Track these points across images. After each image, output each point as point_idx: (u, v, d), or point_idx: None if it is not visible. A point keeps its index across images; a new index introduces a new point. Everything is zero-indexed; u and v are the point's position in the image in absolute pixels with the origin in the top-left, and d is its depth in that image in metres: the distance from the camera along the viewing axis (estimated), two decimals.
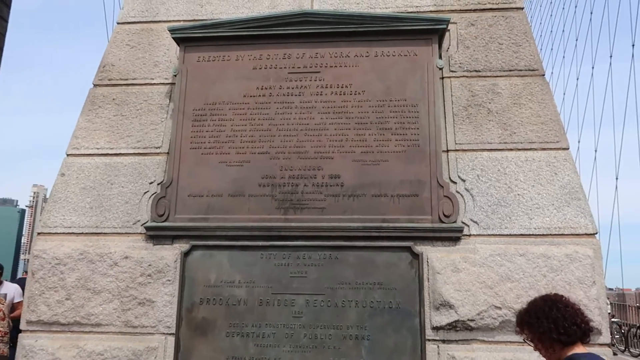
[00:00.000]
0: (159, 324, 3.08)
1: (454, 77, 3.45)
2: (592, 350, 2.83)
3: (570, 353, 2.08)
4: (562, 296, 2.27)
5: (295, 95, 3.37)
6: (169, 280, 3.13)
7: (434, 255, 3.03)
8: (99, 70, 3.73)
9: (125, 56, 3.74)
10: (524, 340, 2.27)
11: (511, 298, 2.92)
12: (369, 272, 3.02)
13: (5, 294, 5.53)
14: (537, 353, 2.83)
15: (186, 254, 3.13)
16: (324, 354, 2.93)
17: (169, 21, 3.79)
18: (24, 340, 3.15)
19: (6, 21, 13.24)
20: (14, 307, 5.43)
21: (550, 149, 3.23)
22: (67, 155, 3.52)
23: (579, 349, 2.10)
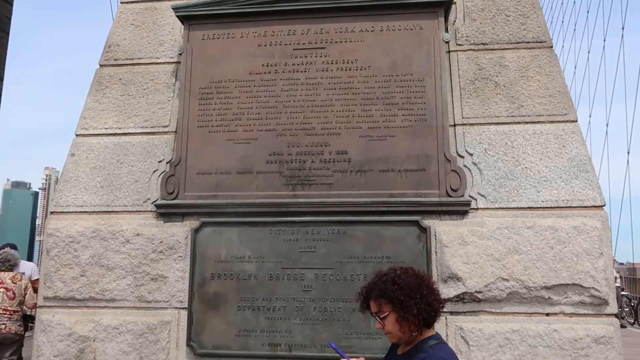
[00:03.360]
0: (171, 298, 3.15)
1: (460, 50, 3.41)
2: (600, 319, 2.89)
3: (427, 335, 1.96)
4: (422, 272, 2.06)
5: (301, 71, 3.36)
6: (180, 257, 3.19)
7: (442, 228, 3.05)
8: (105, 50, 3.74)
9: (130, 36, 3.74)
10: (373, 314, 1.99)
11: (519, 270, 2.94)
12: (377, 246, 3.05)
13: (23, 273, 5.67)
14: (543, 324, 2.89)
15: (196, 231, 3.18)
16: (333, 326, 2.99)
17: None
18: (42, 315, 3.24)
19: (11, 4, 13.21)
20: (32, 283, 5.57)
21: (559, 121, 3.21)
22: (77, 135, 3.56)
23: (431, 332, 1.98)
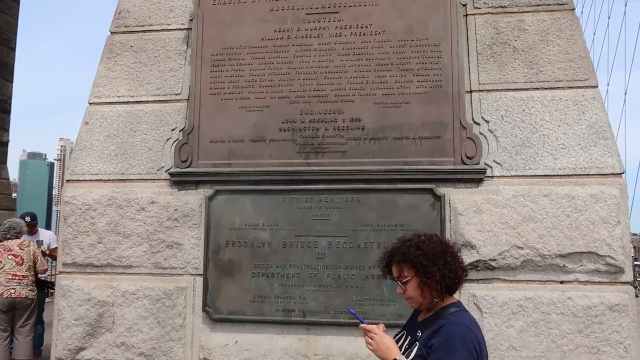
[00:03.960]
0: (187, 265, 3.20)
1: (478, 13, 3.31)
2: (615, 287, 2.87)
3: (449, 302, 1.92)
4: (446, 239, 2.06)
5: (314, 37, 3.30)
6: (195, 224, 3.21)
7: (456, 197, 3.03)
8: (115, 16, 3.69)
9: (141, 2, 3.68)
10: (395, 279, 1.96)
11: (533, 238, 2.92)
12: (391, 214, 3.04)
13: (42, 240, 5.80)
14: (557, 292, 2.89)
15: (210, 199, 3.20)
16: (346, 292, 3.02)
17: None
18: (61, 281, 3.32)
19: None
20: (50, 252, 5.70)
21: (578, 87, 3.12)
22: (90, 104, 3.56)
23: (452, 299, 1.95)
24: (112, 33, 3.66)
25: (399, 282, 1.94)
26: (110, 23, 3.69)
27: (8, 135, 12.62)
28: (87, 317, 3.22)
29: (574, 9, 3.25)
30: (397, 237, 2.07)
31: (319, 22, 3.31)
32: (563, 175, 3.00)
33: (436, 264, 1.87)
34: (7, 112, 12.54)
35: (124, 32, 3.64)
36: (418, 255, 1.89)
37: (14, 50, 12.84)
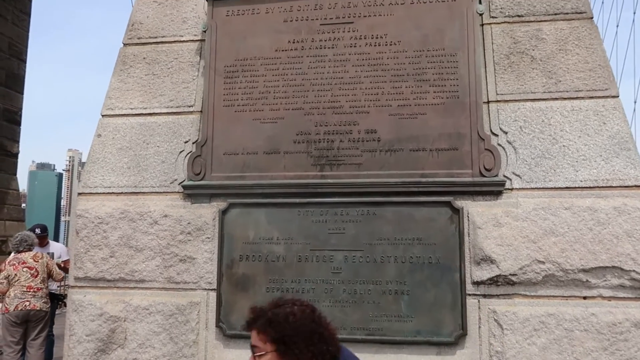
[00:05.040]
0: (200, 280, 3.15)
1: (494, 23, 3.26)
2: None
3: None
4: (323, 317, 1.72)
5: (328, 47, 3.26)
6: (209, 238, 3.17)
7: (475, 209, 2.96)
8: (128, 28, 3.68)
9: (153, 13, 3.67)
10: (251, 345, 1.67)
11: (555, 252, 2.85)
12: (408, 227, 2.98)
13: (52, 253, 5.79)
14: (581, 307, 2.81)
15: (224, 212, 3.15)
16: (363, 308, 2.95)
17: None
18: (73, 295, 3.27)
19: None
20: (62, 264, 5.69)
21: (599, 97, 3.06)
22: (102, 115, 3.54)
23: None
24: (125, 45, 3.65)
25: (253, 352, 1.66)
26: (123, 35, 3.68)
27: (18, 147, 12.71)
28: (99, 333, 3.17)
29: (592, 18, 3.20)
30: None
31: (333, 32, 3.27)
32: (584, 187, 2.93)
33: (299, 347, 1.60)
34: (18, 123, 12.64)
35: (136, 44, 3.63)
36: (283, 330, 1.62)
37: (25, 62, 12.98)
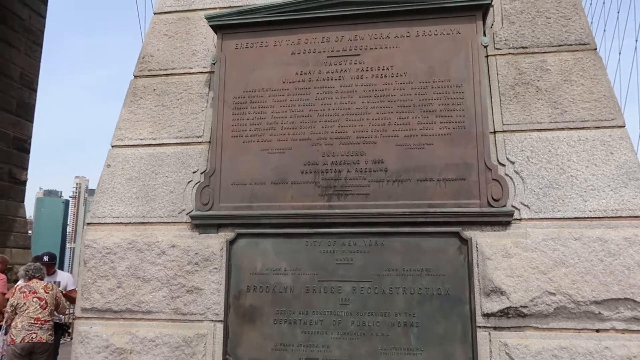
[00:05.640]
0: (207, 311, 3.12)
1: (499, 54, 3.31)
2: None
3: None
4: None
5: (335, 79, 3.31)
6: (216, 268, 3.16)
7: (484, 240, 2.94)
8: (139, 61, 3.76)
9: (164, 46, 3.76)
10: None
11: (566, 284, 2.81)
12: (416, 258, 2.96)
13: (59, 282, 5.78)
14: (594, 340, 2.76)
15: (232, 242, 3.15)
16: (372, 341, 2.91)
17: (205, 9, 3.78)
18: (79, 327, 3.25)
19: (44, 18, 13.61)
20: (67, 294, 5.67)
21: (605, 127, 3.07)
22: (112, 146, 3.58)
23: None
24: (135, 77, 3.72)
25: None
26: (134, 67, 3.75)
27: (27, 174, 12.83)
28: None
29: (596, 49, 3.24)
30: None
31: (340, 64, 3.33)
32: (594, 217, 2.91)
33: None
34: (27, 151, 12.79)
35: (147, 76, 3.70)
36: None
37: (36, 92, 13.21)
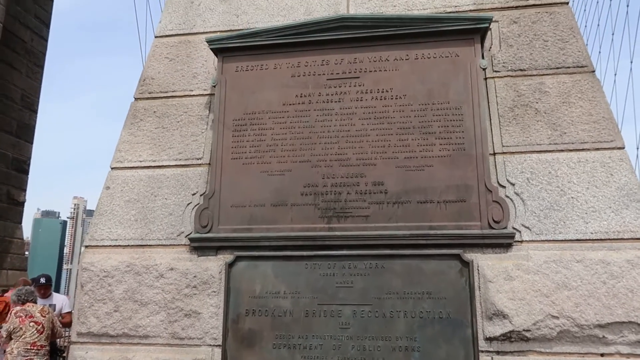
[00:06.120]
0: (205, 335, 3.07)
1: (497, 77, 3.33)
2: None
3: None
4: None
5: (335, 101, 3.32)
6: (214, 292, 3.12)
7: (485, 262, 2.92)
8: (140, 83, 3.78)
9: (165, 69, 3.78)
10: None
11: (569, 307, 2.78)
12: (417, 281, 2.93)
13: (54, 304, 5.70)
14: None
15: (230, 265, 3.12)
16: None
17: (206, 32, 3.82)
18: (75, 352, 3.20)
19: (46, 40, 13.76)
20: (62, 317, 5.59)
21: (605, 148, 3.07)
22: (112, 168, 3.57)
23: None
24: (136, 99, 3.74)
25: None
26: (135, 90, 3.77)
27: (25, 195, 12.79)
28: None
29: (594, 71, 3.27)
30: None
31: (339, 87, 3.35)
32: (595, 239, 2.90)
33: None
34: (26, 172, 12.78)
35: (147, 98, 3.72)
36: None
37: (36, 113, 13.27)
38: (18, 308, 5.11)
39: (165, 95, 3.70)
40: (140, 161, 3.54)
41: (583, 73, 3.26)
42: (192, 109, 3.61)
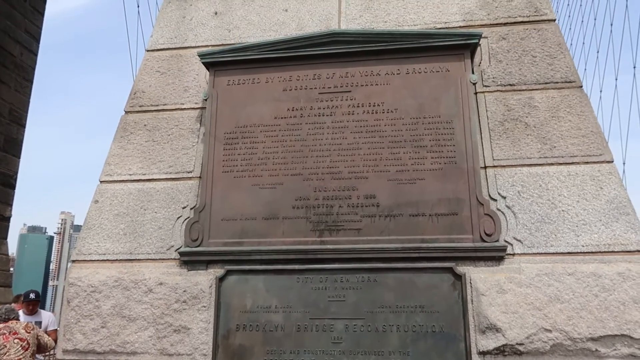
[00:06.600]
0: (194, 351, 3.01)
1: (487, 91, 3.37)
2: None
3: None
4: None
5: (327, 115, 3.33)
6: (204, 307, 3.07)
7: (477, 276, 2.91)
8: (130, 97, 3.76)
9: (156, 82, 3.77)
10: None
11: (562, 320, 2.77)
12: (410, 294, 2.91)
13: (40, 322, 5.59)
14: None
15: (221, 279, 3.08)
16: None
17: (198, 47, 3.82)
18: None
19: (35, 55, 13.70)
20: (47, 334, 5.46)
21: (594, 162, 3.11)
22: (101, 182, 3.53)
23: None
24: (126, 112, 3.71)
25: None
26: (125, 103, 3.75)
27: (11, 210, 12.59)
28: None
29: (581, 86, 3.31)
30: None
31: (331, 100, 3.36)
32: (587, 252, 2.91)
33: None
34: (12, 187, 12.60)
35: (138, 112, 3.70)
36: None
37: (24, 127, 13.15)
38: (1, 325, 4.99)
39: (156, 108, 3.69)
40: (130, 174, 3.50)
41: (571, 88, 3.30)
42: (183, 122, 3.60)
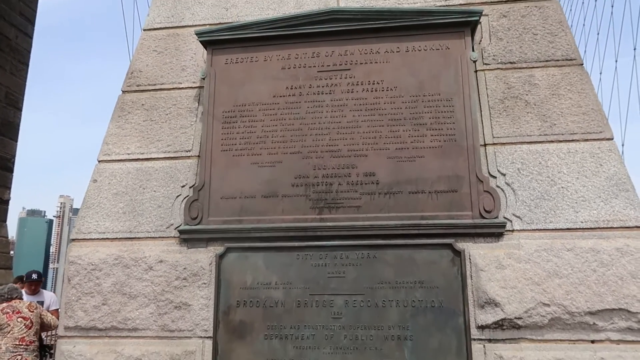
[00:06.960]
0: (195, 327, 3.04)
1: (488, 69, 3.35)
2: None
3: None
4: None
5: (326, 93, 3.31)
6: (205, 284, 3.09)
7: (477, 252, 2.93)
8: (127, 76, 3.73)
9: (153, 62, 3.74)
10: None
11: (560, 294, 2.80)
12: (409, 270, 2.93)
13: (43, 301, 5.62)
14: (589, 351, 2.74)
15: (221, 257, 3.09)
16: (365, 355, 2.85)
17: (195, 25, 3.78)
18: (62, 346, 3.14)
19: (31, 37, 13.56)
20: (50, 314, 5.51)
21: (594, 139, 3.10)
22: (99, 161, 3.52)
23: None
24: (123, 92, 3.69)
25: None
26: (122, 83, 3.72)
27: (9, 194, 12.59)
28: None
29: (582, 64, 3.29)
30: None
31: (330, 79, 3.33)
32: (586, 228, 2.92)
33: None
34: (10, 170, 12.58)
35: (135, 91, 3.67)
36: None
37: (21, 111, 13.07)
38: (5, 304, 5.02)
39: (153, 88, 3.66)
40: (129, 154, 3.49)
41: (572, 66, 3.28)
42: (181, 101, 3.58)
